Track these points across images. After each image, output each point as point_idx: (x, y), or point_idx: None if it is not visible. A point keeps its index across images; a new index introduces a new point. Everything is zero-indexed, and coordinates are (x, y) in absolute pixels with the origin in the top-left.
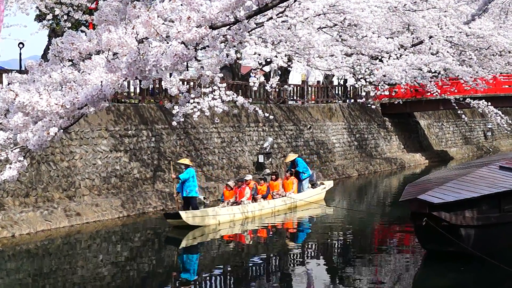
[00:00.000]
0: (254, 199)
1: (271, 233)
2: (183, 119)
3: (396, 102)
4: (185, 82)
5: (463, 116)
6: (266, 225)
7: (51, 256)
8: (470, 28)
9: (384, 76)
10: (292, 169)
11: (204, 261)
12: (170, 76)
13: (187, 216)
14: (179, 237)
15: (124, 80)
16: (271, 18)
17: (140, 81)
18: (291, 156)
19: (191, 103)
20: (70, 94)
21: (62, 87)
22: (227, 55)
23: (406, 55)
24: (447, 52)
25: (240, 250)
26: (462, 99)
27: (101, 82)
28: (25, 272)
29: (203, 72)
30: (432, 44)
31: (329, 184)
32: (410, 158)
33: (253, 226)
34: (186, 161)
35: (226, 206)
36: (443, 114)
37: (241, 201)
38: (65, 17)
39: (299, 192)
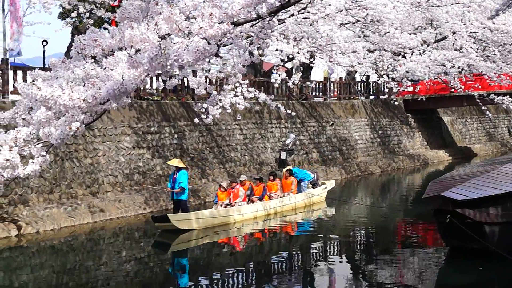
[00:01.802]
0: (250, 201)
1: (288, 231)
2: (211, 120)
3: (419, 99)
4: (208, 80)
5: (487, 112)
6: (274, 226)
7: (75, 252)
8: (494, 23)
9: (407, 72)
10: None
11: (228, 257)
12: (195, 75)
13: (175, 219)
14: (202, 234)
15: (146, 76)
16: (293, 14)
17: (164, 81)
18: (286, 168)
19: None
20: (92, 89)
21: (84, 83)
22: (251, 54)
23: (429, 51)
24: (471, 47)
25: (261, 248)
26: (486, 95)
27: (123, 76)
28: (49, 268)
29: (229, 71)
30: (455, 39)
31: (330, 184)
32: (433, 155)
33: (260, 226)
34: (176, 162)
35: (218, 208)
36: (466, 110)
37: (235, 202)
38: (88, 14)
39: (299, 192)
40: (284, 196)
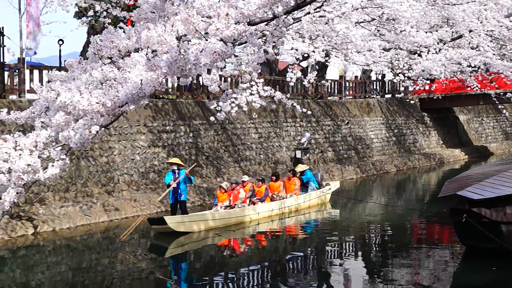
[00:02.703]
0: (251, 202)
1: (302, 231)
2: (223, 117)
3: (435, 97)
4: (223, 79)
5: (504, 111)
6: (288, 225)
7: (91, 251)
8: (511, 21)
9: (423, 71)
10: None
11: (242, 257)
12: (209, 73)
13: (173, 221)
14: (218, 232)
15: (163, 78)
16: (309, 13)
17: (178, 78)
18: (301, 167)
19: (229, 99)
20: (110, 93)
21: (102, 85)
22: (266, 52)
23: (445, 50)
24: (487, 46)
25: (277, 246)
26: (502, 93)
27: (141, 80)
28: (65, 266)
29: (243, 69)
30: (472, 38)
31: (335, 185)
32: (449, 154)
33: (271, 225)
34: (177, 160)
35: (218, 210)
36: (483, 109)
37: (235, 204)
38: (104, 13)
39: (302, 194)
40: (287, 197)
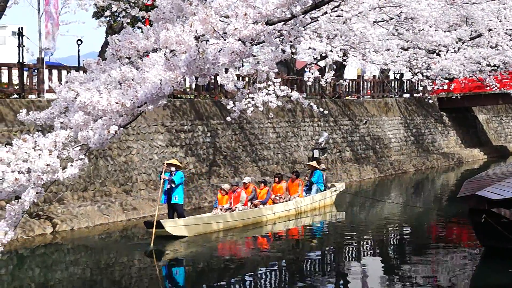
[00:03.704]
0: (252, 205)
1: (318, 231)
2: (237, 115)
3: (453, 97)
4: (241, 78)
5: None
6: (304, 226)
7: (109, 250)
8: None
9: (442, 70)
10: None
11: (259, 256)
12: (226, 72)
13: (170, 225)
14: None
15: (182, 78)
16: (326, 12)
17: (196, 78)
18: (314, 163)
19: (246, 98)
20: (129, 93)
21: (120, 85)
22: (283, 51)
23: (464, 49)
24: (507, 45)
25: (295, 246)
26: None
27: (160, 80)
28: (84, 265)
29: (259, 68)
30: (491, 37)
31: (340, 187)
32: (468, 154)
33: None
34: (176, 161)
35: (219, 213)
36: (502, 108)
37: (236, 207)
38: (123, 13)
39: (305, 196)
40: (290, 199)
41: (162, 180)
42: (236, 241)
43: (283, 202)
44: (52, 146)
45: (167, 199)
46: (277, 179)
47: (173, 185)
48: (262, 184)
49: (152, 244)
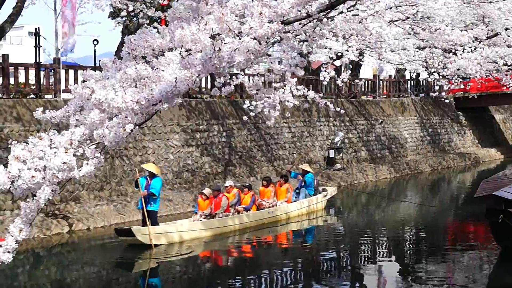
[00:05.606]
0: (236, 211)
1: (336, 230)
2: (254, 114)
3: (470, 96)
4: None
5: None
6: (319, 225)
7: (125, 249)
8: None
9: (458, 69)
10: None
11: (275, 256)
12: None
13: (142, 233)
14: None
15: (197, 77)
16: (342, 12)
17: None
18: (306, 166)
19: (266, 97)
20: (144, 91)
21: (136, 84)
22: (305, 55)
23: (481, 48)
24: None
25: (309, 246)
26: None
27: (175, 78)
28: (100, 264)
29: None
30: (508, 36)
31: (331, 191)
32: (484, 153)
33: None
34: (152, 167)
35: (198, 220)
36: None
37: (216, 213)
38: (141, 14)
39: (294, 201)
40: (277, 204)
41: (141, 195)
42: (212, 251)
43: (269, 207)
44: (68, 144)
45: (140, 205)
46: (265, 183)
47: (154, 197)
48: (246, 189)
49: (153, 245)
